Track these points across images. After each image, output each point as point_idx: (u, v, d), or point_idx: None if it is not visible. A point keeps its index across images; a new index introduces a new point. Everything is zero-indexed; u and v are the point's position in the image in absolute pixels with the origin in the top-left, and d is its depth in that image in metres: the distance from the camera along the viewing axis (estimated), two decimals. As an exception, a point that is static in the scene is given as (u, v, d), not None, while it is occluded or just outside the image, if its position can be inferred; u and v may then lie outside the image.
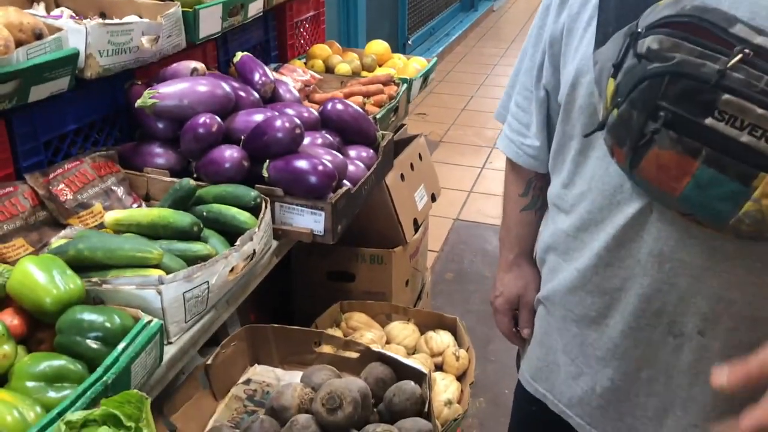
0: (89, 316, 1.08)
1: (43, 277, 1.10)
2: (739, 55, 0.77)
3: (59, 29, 1.40)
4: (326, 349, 1.50)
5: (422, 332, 2.01)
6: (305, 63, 2.52)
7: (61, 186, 1.44)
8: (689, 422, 1.05)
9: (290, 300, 2.28)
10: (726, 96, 0.78)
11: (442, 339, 1.95)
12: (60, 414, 0.89)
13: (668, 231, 0.96)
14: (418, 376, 1.34)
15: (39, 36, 1.34)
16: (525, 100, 1.21)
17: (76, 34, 1.41)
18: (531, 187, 1.27)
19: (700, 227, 0.92)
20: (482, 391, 2.46)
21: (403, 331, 1.98)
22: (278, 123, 1.54)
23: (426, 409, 1.28)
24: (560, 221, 1.13)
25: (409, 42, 6.17)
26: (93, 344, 1.06)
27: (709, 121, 0.79)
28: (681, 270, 0.96)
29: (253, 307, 2.09)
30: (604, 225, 1.03)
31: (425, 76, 2.55)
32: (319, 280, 2.18)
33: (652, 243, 0.97)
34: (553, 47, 1.09)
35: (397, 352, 1.62)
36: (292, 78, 2.21)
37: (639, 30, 0.84)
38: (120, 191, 1.55)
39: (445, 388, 1.79)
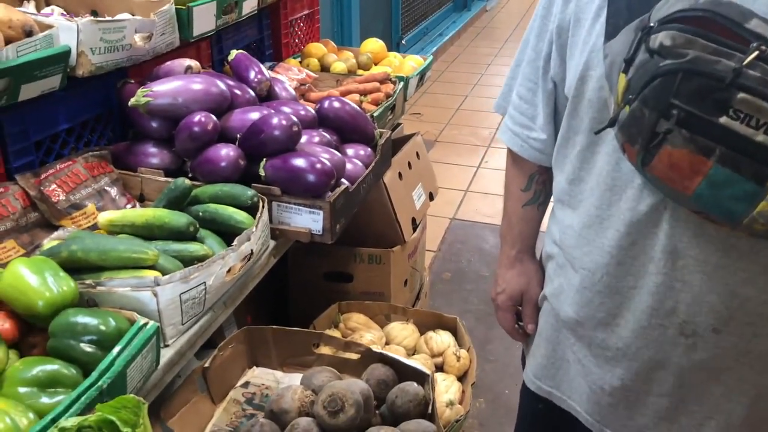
0: (83, 318, 1.05)
1: (35, 280, 1.07)
2: (756, 52, 0.75)
3: (50, 26, 1.36)
4: (326, 350, 1.47)
5: (422, 332, 1.99)
6: (300, 62, 2.50)
7: (53, 186, 1.41)
8: (705, 415, 1.03)
9: (287, 302, 2.25)
10: (741, 94, 0.76)
11: (442, 339, 1.92)
12: (54, 420, 0.87)
13: (682, 228, 0.94)
14: (421, 377, 1.32)
15: (29, 33, 1.31)
16: (529, 92, 1.18)
17: (67, 31, 1.38)
18: (533, 182, 1.24)
19: (714, 225, 0.90)
20: (482, 392, 2.43)
21: (403, 331, 1.96)
22: (275, 121, 1.52)
23: (429, 411, 1.25)
24: (567, 218, 1.11)
25: (403, 42, 6.15)
26: (87, 348, 1.03)
27: (723, 119, 0.77)
28: (695, 267, 0.94)
29: (249, 310, 2.06)
30: (613, 222, 1.00)
31: (422, 74, 2.53)
32: (316, 281, 2.15)
33: (666, 240, 0.95)
34: (560, 38, 1.06)
35: (396, 353, 1.59)
36: (287, 77, 2.18)
37: (651, 24, 0.82)
38: (113, 192, 1.52)
39: (446, 389, 1.76)
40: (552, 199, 1.21)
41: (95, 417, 0.85)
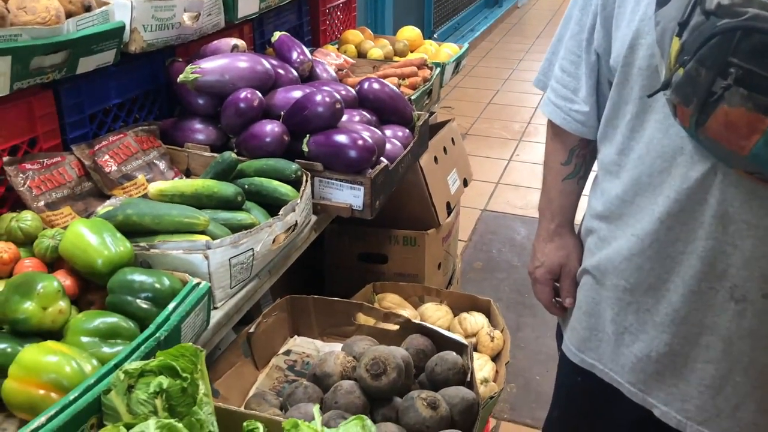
0: (139, 277, 1.10)
1: (94, 239, 1.12)
2: None
3: (106, 2, 1.42)
4: (365, 321, 1.50)
5: (455, 314, 2.01)
6: (337, 48, 2.53)
7: (106, 158, 1.46)
8: (752, 385, 1.04)
9: (322, 282, 2.29)
10: None
11: (476, 320, 1.94)
12: (117, 365, 0.91)
13: (733, 192, 0.95)
14: (459, 348, 1.34)
15: (88, 8, 1.36)
16: (572, 65, 1.19)
17: (122, 8, 1.44)
18: (574, 155, 1.26)
19: (767, 187, 0.90)
20: (513, 377, 2.44)
21: (437, 312, 1.98)
22: (318, 98, 1.55)
23: (468, 379, 1.28)
24: (613, 188, 1.12)
25: (435, 36, 6.16)
26: (143, 304, 1.07)
27: None
28: (746, 231, 0.95)
29: (285, 289, 2.10)
30: (663, 189, 1.01)
31: (458, 61, 2.55)
32: (350, 262, 2.19)
33: (716, 205, 0.96)
34: (605, 9, 1.08)
35: (432, 330, 1.61)
36: (326, 61, 2.22)
37: None
38: (162, 165, 1.57)
39: (480, 368, 1.78)
40: (596, 172, 1.22)
41: (156, 362, 0.89)
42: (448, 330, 1.97)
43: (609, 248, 1.14)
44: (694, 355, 1.06)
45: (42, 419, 0.82)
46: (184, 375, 0.88)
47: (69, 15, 1.32)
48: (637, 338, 1.12)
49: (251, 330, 1.40)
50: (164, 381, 0.87)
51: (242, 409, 1.04)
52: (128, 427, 0.82)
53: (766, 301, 0.98)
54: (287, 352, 1.46)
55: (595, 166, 1.27)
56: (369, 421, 0.92)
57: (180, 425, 0.82)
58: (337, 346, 1.44)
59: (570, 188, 1.29)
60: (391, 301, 2.01)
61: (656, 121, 1.01)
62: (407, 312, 1.93)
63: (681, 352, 1.07)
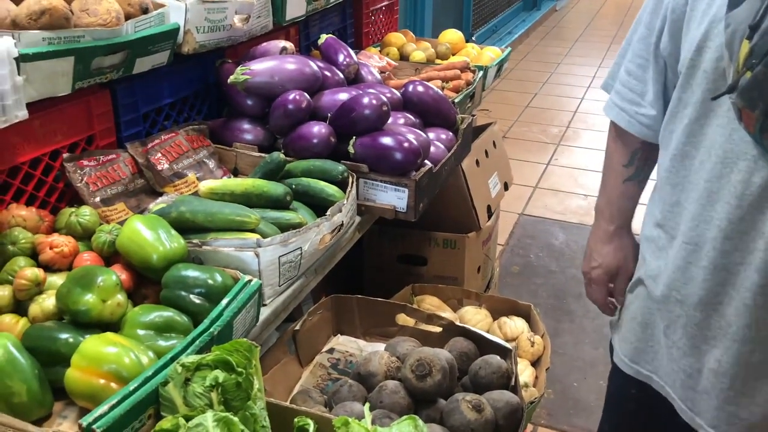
0: (193, 273, 1.13)
1: (150, 235, 1.15)
2: None
3: (162, 5, 1.45)
4: (408, 322, 1.51)
5: (495, 318, 2.00)
6: (380, 50, 2.55)
7: (158, 155, 1.50)
8: None
9: (361, 283, 2.30)
10: None
11: (516, 324, 1.94)
12: (173, 358, 0.94)
13: None
14: (503, 352, 1.34)
15: (145, 10, 1.40)
16: (639, 68, 1.17)
17: (176, 10, 1.47)
18: (636, 158, 1.24)
19: None
20: (550, 383, 2.43)
21: (476, 315, 1.98)
22: (365, 100, 1.57)
23: (512, 383, 1.28)
24: (671, 195, 1.10)
25: (473, 39, 6.15)
26: (196, 299, 1.10)
27: None
28: None
29: (324, 289, 2.12)
30: (722, 195, 0.99)
31: (500, 65, 2.54)
32: (390, 264, 2.20)
33: None
34: (674, 12, 1.06)
35: (473, 333, 1.61)
36: (369, 64, 2.24)
37: None
38: (211, 164, 1.60)
39: (520, 372, 1.78)
40: (655, 179, 1.20)
41: (212, 356, 0.91)
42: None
43: (664, 257, 1.12)
44: (744, 374, 1.03)
45: (105, 408, 0.85)
46: (239, 370, 0.90)
47: (128, 17, 1.35)
48: (685, 353, 1.09)
49: (297, 327, 1.42)
50: (220, 375, 0.89)
51: (293, 405, 1.06)
52: (186, 419, 0.84)
53: None
54: (331, 351, 1.48)
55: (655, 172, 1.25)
56: (421, 422, 0.93)
57: (236, 419, 0.84)
58: (379, 346, 1.45)
59: (630, 190, 1.27)
60: (430, 303, 2.02)
61: (718, 126, 0.99)
62: (447, 315, 1.94)
63: (731, 371, 1.04)
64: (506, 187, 2.44)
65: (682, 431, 1.14)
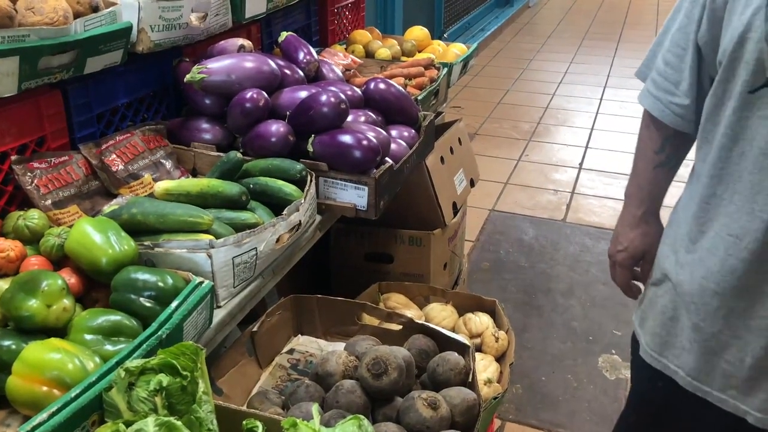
0: (143, 275, 1.11)
1: (99, 238, 1.13)
2: None
3: (114, 3, 1.43)
4: (369, 321, 1.50)
5: (461, 315, 2.01)
6: (345, 48, 2.54)
7: (113, 157, 1.48)
8: None
9: (328, 282, 2.30)
10: None
11: (481, 320, 1.94)
12: (118, 363, 0.92)
13: None
14: (461, 348, 1.34)
15: (95, 9, 1.37)
16: (676, 58, 1.16)
17: (129, 8, 1.45)
18: (668, 145, 1.24)
19: None
20: (518, 378, 2.44)
21: (442, 312, 1.98)
22: (324, 98, 1.56)
23: (470, 380, 1.28)
24: (709, 186, 1.09)
25: (445, 36, 6.16)
26: (146, 302, 1.09)
27: None
28: None
29: (292, 288, 2.11)
30: (765, 187, 0.99)
31: (465, 62, 2.55)
32: (356, 262, 2.20)
33: None
34: (714, 2, 1.05)
35: (437, 330, 1.62)
36: (333, 62, 2.23)
37: None
38: (168, 164, 1.58)
39: (484, 368, 1.78)
40: (693, 169, 1.19)
41: (157, 360, 0.90)
42: (453, 330, 1.97)
43: (699, 250, 1.12)
44: None
45: (44, 415, 0.83)
46: (184, 373, 0.89)
47: (77, 15, 1.33)
48: (727, 344, 1.09)
49: (255, 329, 1.41)
50: (164, 379, 0.88)
51: (242, 407, 1.05)
52: (128, 424, 0.83)
53: None
54: (291, 351, 1.47)
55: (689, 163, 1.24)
56: (366, 421, 0.93)
57: (179, 423, 0.83)
58: (340, 346, 1.45)
59: (661, 177, 1.28)
60: (396, 300, 2.01)
61: (760, 117, 0.98)
62: (412, 312, 1.94)
63: None
64: (472, 183, 2.45)
65: (717, 423, 1.15)
